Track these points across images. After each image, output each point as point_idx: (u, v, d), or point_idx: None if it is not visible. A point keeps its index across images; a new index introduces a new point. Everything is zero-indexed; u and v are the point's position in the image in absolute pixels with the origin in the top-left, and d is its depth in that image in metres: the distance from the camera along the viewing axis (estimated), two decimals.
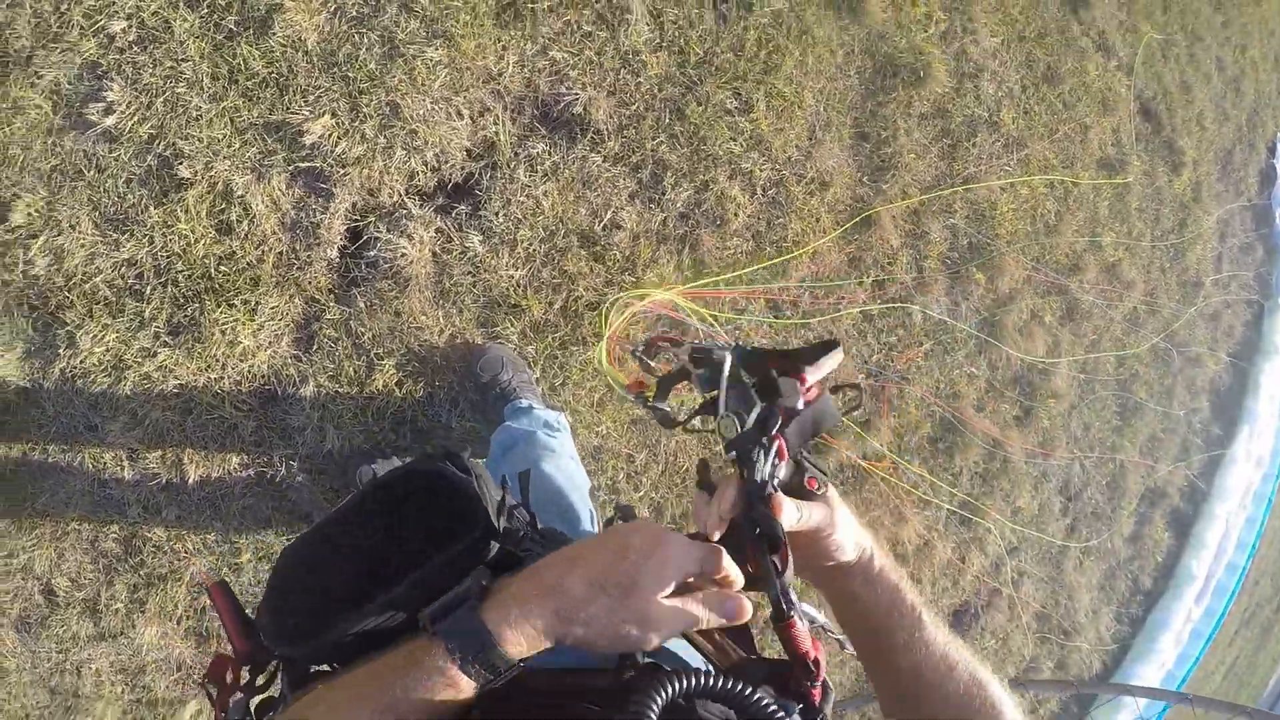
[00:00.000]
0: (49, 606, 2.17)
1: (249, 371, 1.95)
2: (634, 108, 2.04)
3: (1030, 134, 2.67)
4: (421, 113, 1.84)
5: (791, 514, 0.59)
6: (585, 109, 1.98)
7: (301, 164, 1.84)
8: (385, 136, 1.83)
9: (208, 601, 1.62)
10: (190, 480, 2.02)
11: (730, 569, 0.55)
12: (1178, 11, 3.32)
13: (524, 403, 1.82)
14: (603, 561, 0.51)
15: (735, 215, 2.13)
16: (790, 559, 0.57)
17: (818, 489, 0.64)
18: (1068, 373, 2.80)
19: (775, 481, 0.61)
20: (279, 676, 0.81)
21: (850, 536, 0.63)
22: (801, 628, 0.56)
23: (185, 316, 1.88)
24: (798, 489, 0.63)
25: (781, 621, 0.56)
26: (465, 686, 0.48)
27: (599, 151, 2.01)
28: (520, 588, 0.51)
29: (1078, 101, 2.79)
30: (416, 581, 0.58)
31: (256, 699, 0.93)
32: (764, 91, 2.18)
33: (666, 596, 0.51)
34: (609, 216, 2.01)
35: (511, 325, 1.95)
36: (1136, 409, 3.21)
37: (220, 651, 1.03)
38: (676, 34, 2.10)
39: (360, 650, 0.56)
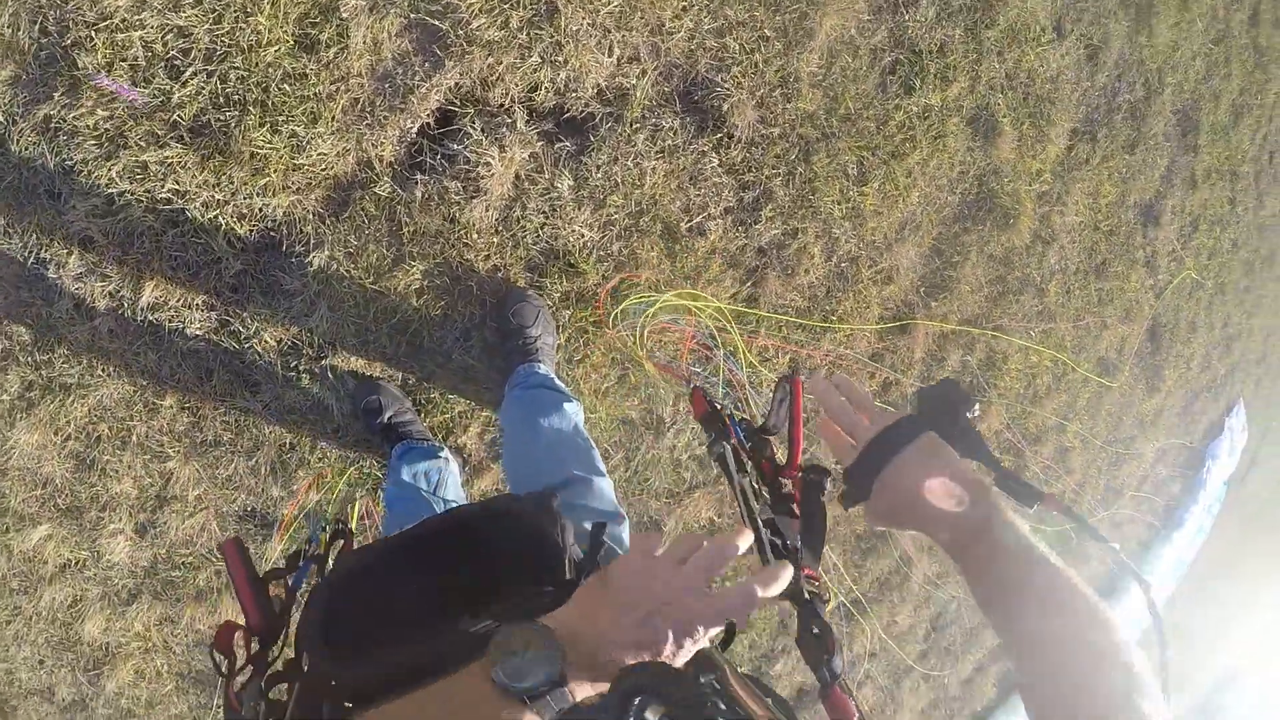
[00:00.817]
0: None
1: (260, 210, 1.71)
2: (771, 130, 1.96)
3: (1062, 312, 2.83)
4: (576, 30, 1.68)
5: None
6: (729, 108, 1.88)
7: (427, 17, 1.63)
8: (529, 35, 1.66)
9: (219, 556, 1.41)
10: (142, 299, 1.75)
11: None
12: (1219, 264, 3.65)
13: (542, 369, 1.69)
14: (635, 629, 0.56)
15: (806, 272, 2.10)
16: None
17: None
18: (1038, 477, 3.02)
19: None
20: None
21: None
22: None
23: (218, 120, 1.63)
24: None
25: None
26: None
27: (720, 154, 1.92)
28: (598, 665, 0.55)
29: (1110, 301, 3.00)
30: (496, 616, 0.61)
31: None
32: (883, 173, 2.17)
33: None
34: (699, 220, 1.92)
35: (559, 283, 1.82)
36: None
37: (229, 619, 0.90)
38: (838, 81, 2.05)
39: (402, 677, 0.59)
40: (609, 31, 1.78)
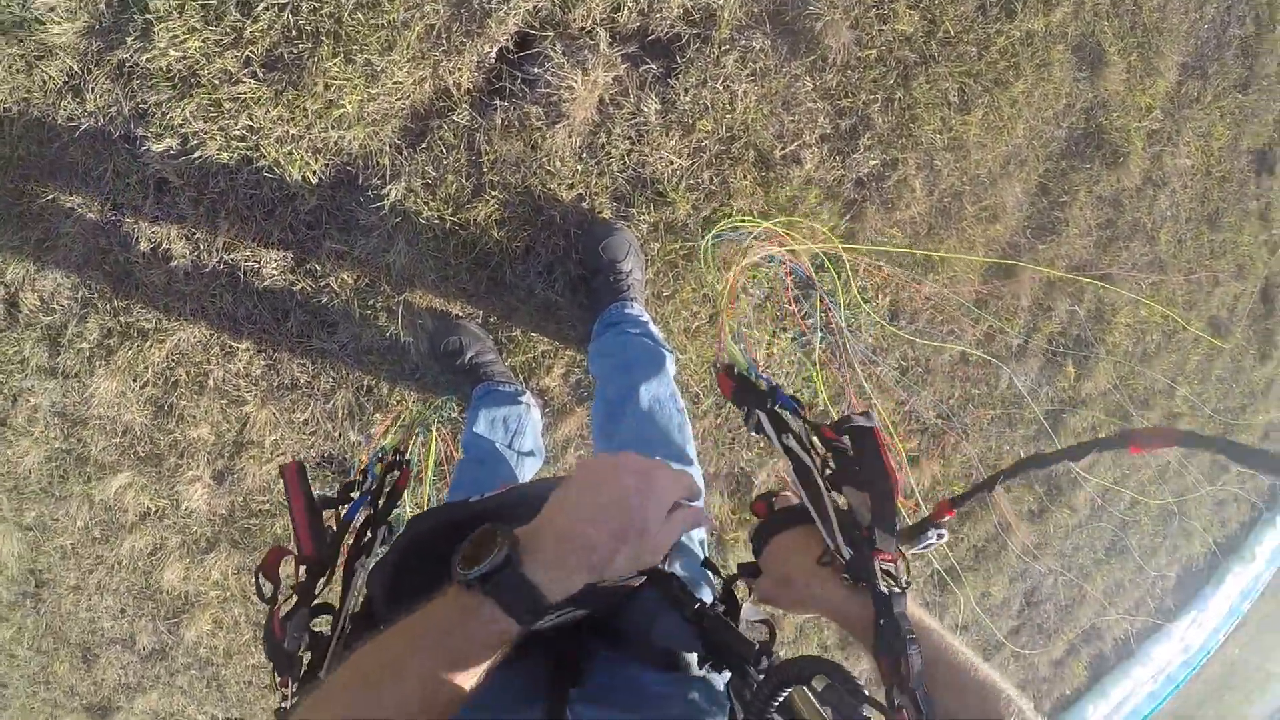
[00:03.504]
0: (7, 320, 1.84)
1: (336, 143, 1.65)
2: (868, 53, 1.81)
3: (1174, 263, 2.60)
4: None
5: None
6: (822, 29, 1.74)
7: None
8: None
9: (280, 480, 1.39)
10: (218, 240, 1.71)
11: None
12: None
13: (634, 308, 1.59)
14: (617, 514, 0.59)
15: (907, 206, 1.94)
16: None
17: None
18: (1089, 493, 2.83)
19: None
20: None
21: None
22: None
23: (291, 53, 1.57)
24: None
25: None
26: (514, 630, 0.56)
27: (814, 78, 1.78)
28: (557, 552, 0.58)
29: (1223, 254, 2.75)
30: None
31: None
32: (987, 101, 1.99)
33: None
34: (793, 148, 1.79)
35: (647, 213, 1.71)
36: (1121, 552, 3.33)
37: (279, 543, 0.84)
38: (936, 1, 1.89)
39: None
40: None
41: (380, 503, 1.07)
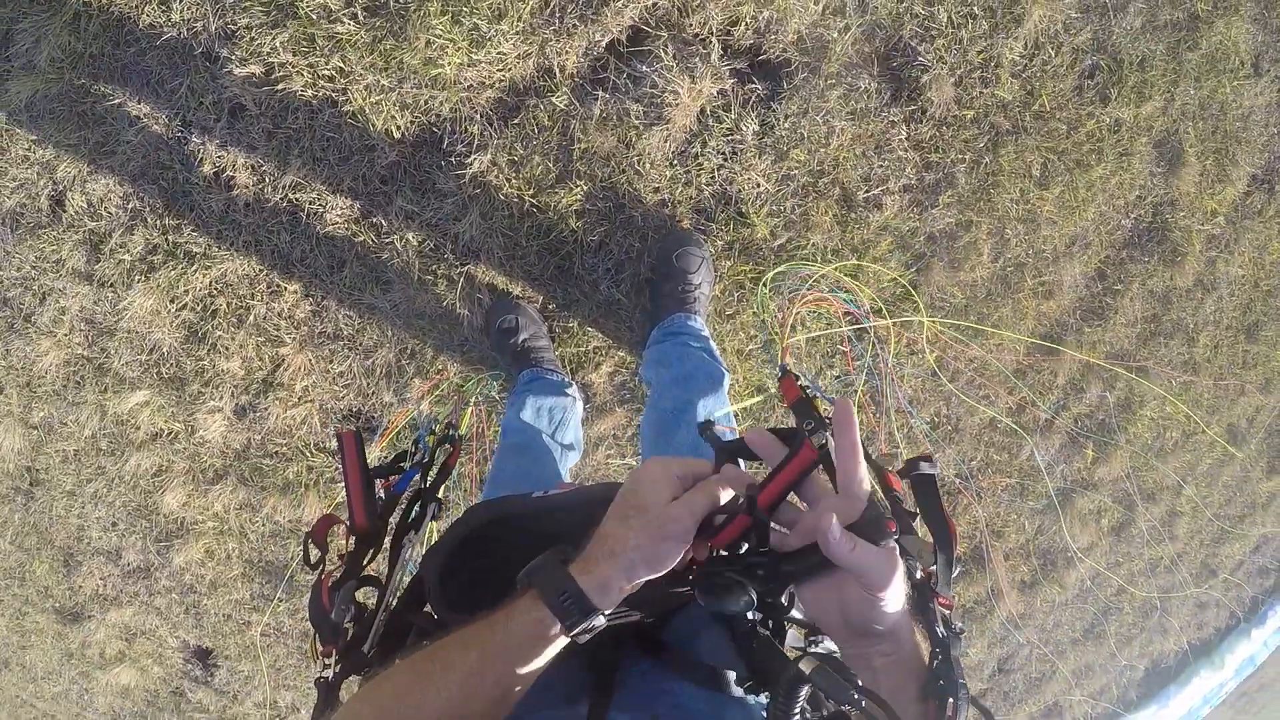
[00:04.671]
0: (50, 218, 1.80)
1: (426, 102, 1.62)
2: (965, 113, 1.82)
3: (1207, 367, 2.64)
4: None
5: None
6: (926, 81, 1.74)
7: None
8: None
9: (334, 445, 1.38)
10: (286, 176, 1.69)
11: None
12: None
13: (697, 322, 1.58)
14: (620, 500, 0.60)
15: (971, 269, 1.95)
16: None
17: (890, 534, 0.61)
18: (1082, 573, 2.87)
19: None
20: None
21: (898, 601, 0.59)
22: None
23: (397, 2, 1.54)
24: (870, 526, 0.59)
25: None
26: (555, 630, 0.56)
27: (910, 127, 1.78)
28: (591, 549, 0.59)
29: (1254, 366, 2.79)
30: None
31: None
32: (1066, 180, 2.01)
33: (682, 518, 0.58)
34: (876, 192, 1.79)
35: (724, 231, 1.71)
36: (1098, 636, 3.39)
37: (329, 511, 0.83)
38: (1037, 75, 1.90)
39: None
40: None
41: (430, 477, 1.05)
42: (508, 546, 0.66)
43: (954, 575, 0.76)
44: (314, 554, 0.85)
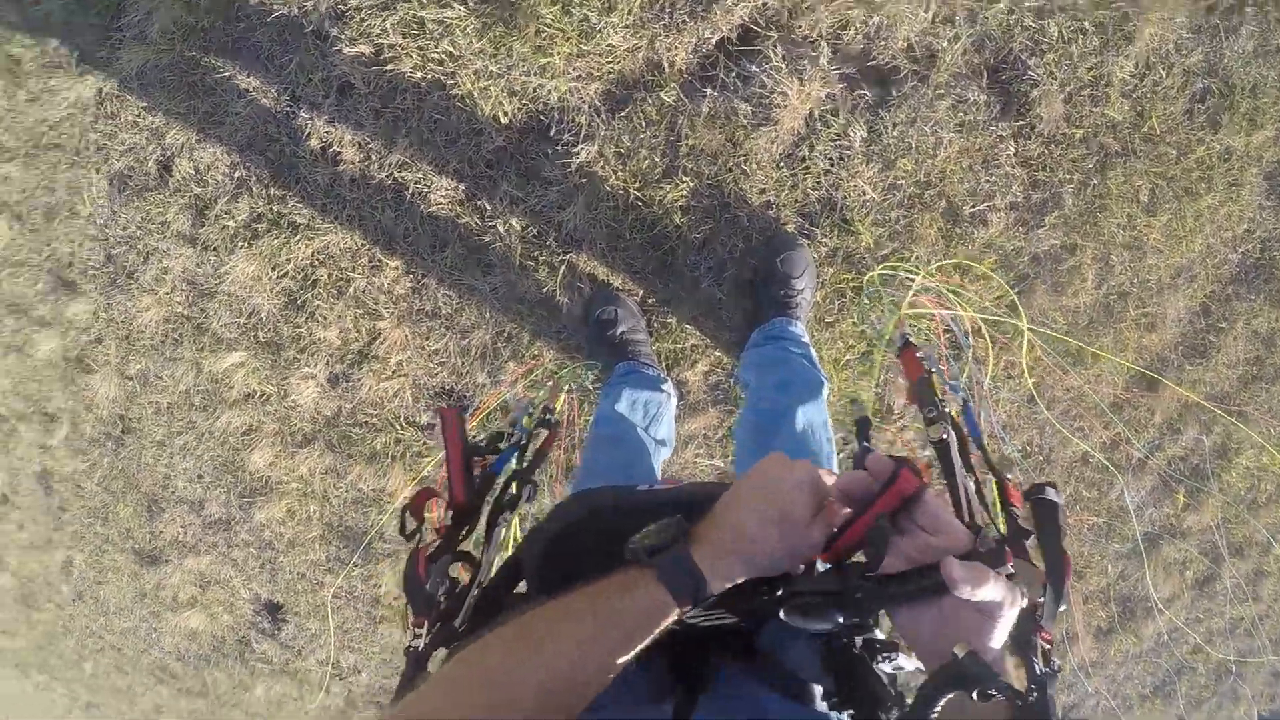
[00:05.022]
0: (158, 181, 1.90)
1: (535, 90, 1.66)
2: (1074, 131, 1.78)
3: None
4: None
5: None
6: (1036, 97, 1.71)
7: None
8: None
9: (436, 423, 1.44)
10: (392, 155, 1.74)
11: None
12: None
13: (797, 328, 1.58)
14: (764, 500, 0.61)
15: (1074, 294, 1.91)
16: None
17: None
18: (1159, 626, 2.75)
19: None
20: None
21: (1004, 635, 0.58)
22: None
23: None
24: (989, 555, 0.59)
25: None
26: (672, 613, 0.57)
27: (1018, 143, 1.75)
28: (719, 538, 0.60)
29: None
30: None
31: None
32: (1174, 208, 1.94)
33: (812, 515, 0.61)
34: (982, 207, 1.76)
35: (829, 238, 1.71)
36: (1167, 695, 3.24)
37: (429, 485, 0.86)
38: (1148, 95, 1.84)
39: None
40: None
41: (526, 459, 1.07)
42: (611, 536, 0.65)
43: (1059, 610, 0.74)
44: (409, 525, 0.88)
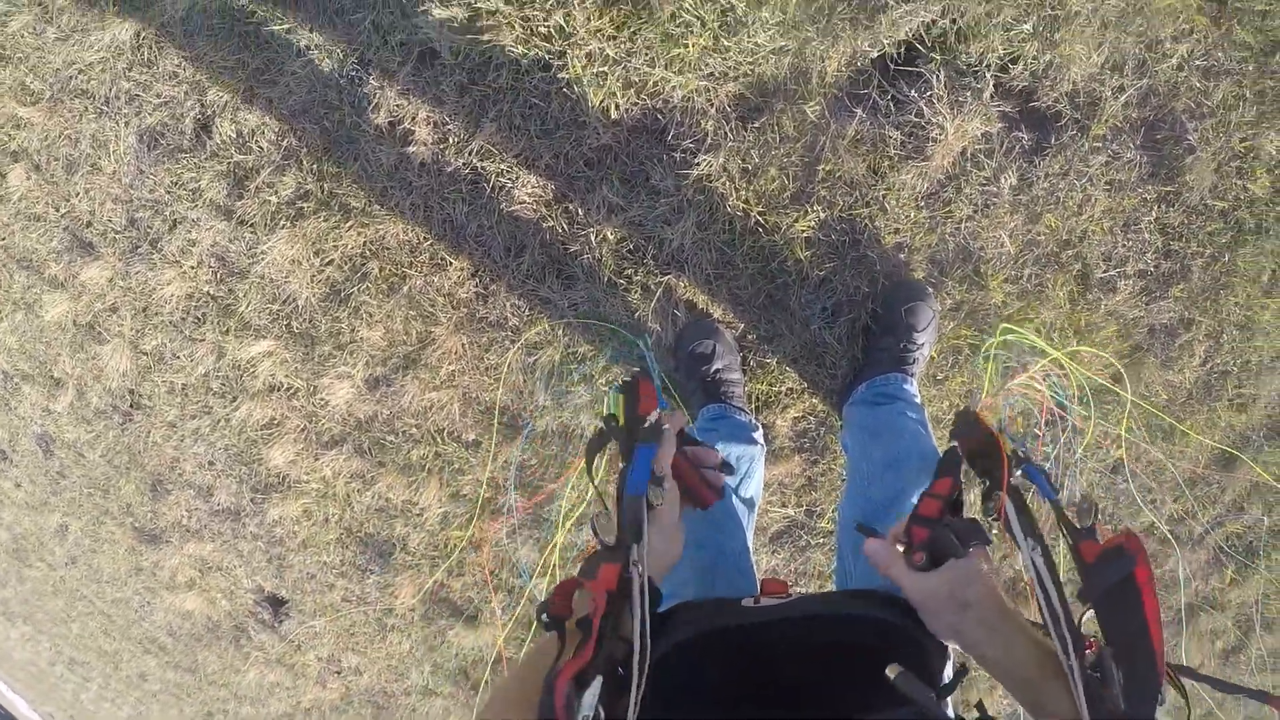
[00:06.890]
0: (193, 143, 1.65)
1: (657, 84, 1.46)
2: (1217, 203, 1.66)
3: None
4: (1077, 10, 1.38)
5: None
6: (1190, 162, 1.58)
7: None
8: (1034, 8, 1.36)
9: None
10: (474, 140, 1.54)
11: None
12: None
13: (912, 387, 1.44)
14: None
15: (1180, 370, 1.81)
16: None
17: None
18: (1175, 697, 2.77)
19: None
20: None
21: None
22: None
23: None
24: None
25: None
26: None
27: (1161, 209, 1.63)
28: None
29: None
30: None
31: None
32: None
33: None
34: (1113, 274, 1.64)
35: (956, 290, 1.56)
36: None
37: (570, 575, 0.66)
38: None
39: None
40: (1107, 26, 1.48)
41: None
42: (720, 663, 0.62)
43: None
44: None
